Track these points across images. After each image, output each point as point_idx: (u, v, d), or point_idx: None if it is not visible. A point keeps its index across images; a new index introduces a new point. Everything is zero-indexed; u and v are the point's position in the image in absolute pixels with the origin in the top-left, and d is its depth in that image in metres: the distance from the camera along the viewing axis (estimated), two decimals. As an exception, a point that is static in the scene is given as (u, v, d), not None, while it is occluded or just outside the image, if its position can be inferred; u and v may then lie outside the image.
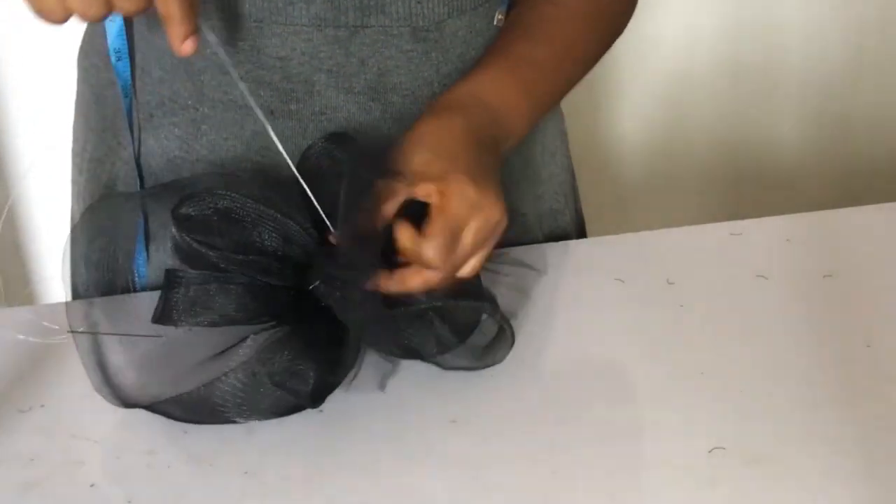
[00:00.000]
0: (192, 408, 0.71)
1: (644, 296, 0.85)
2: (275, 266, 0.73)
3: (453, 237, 0.73)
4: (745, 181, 1.96)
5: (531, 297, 0.86)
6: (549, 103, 0.90)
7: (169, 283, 0.72)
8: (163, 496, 0.67)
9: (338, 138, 0.80)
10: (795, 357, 0.78)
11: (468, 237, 0.74)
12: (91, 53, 0.94)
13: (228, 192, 0.74)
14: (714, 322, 0.82)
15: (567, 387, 0.76)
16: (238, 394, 0.70)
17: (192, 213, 0.73)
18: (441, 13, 0.85)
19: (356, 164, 0.76)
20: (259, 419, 0.72)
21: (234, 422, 0.72)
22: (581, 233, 1.06)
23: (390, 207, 0.73)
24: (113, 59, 0.87)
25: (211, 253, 0.72)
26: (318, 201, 0.74)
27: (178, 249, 0.73)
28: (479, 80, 0.83)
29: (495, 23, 0.89)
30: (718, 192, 1.97)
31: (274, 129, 0.86)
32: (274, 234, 0.73)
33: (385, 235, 0.73)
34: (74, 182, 1.00)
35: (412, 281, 0.73)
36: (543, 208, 0.98)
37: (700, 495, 0.66)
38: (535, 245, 0.95)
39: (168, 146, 0.89)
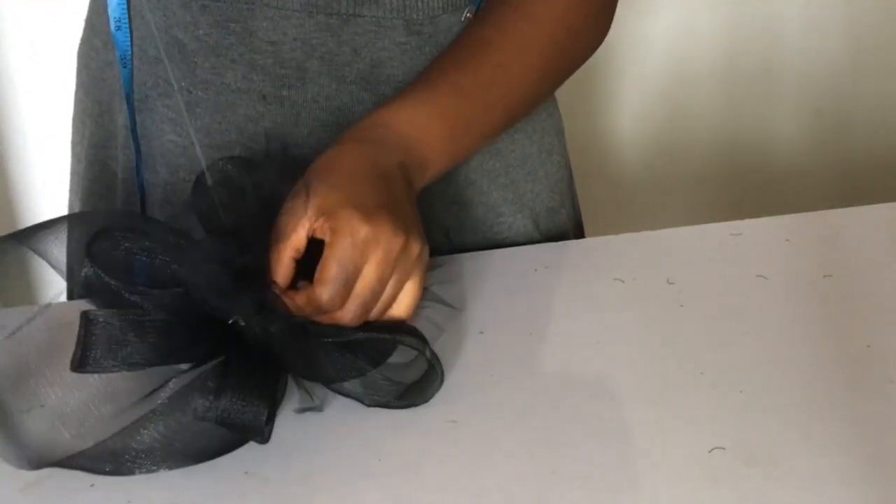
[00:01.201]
0: (110, 459, 0.67)
1: (644, 296, 0.85)
2: (193, 301, 0.70)
3: (346, 277, 0.71)
4: (745, 181, 1.96)
5: (530, 296, 0.86)
6: (481, 131, 0.86)
7: (86, 325, 0.68)
8: (163, 496, 0.67)
9: (241, 162, 0.78)
10: (795, 357, 0.78)
11: (369, 273, 0.72)
12: (92, 36, 0.94)
13: (145, 227, 0.72)
14: (714, 322, 0.82)
15: (567, 386, 0.76)
16: (165, 439, 0.67)
17: (106, 249, 0.70)
18: (435, 8, 0.85)
19: (266, 182, 0.75)
20: (182, 466, 0.68)
21: (152, 471, 0.68)
22: (578, 231, 1.06)
23: (292, 243, 0.72)
24: (112, 27, 0.88)
25: (127, 289, 0.69)
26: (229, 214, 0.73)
27: (90, 287, 0.70)
28: (393, 108, 0.81)
29: (462, 19, 0.88)
30: (718, 192, 1.97)
31: (266, 116, 0.86)
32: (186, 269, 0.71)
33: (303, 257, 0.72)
34: (73, 173, 1.00)
35: (300, 301, 0.72)
36: (540, 207, 0.98)
37: (700, 495, 0.66)
38: (534, 245, 0.95)
39: (163, 129, 0.89)
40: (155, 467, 0.68)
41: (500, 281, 0.87)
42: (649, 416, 0.73)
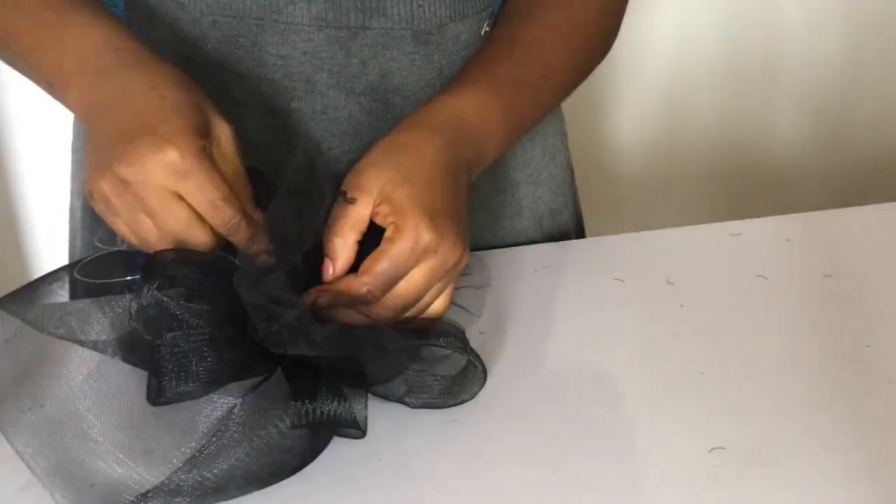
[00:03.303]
0: (189, 492, 0.64)
1: (644, 296, 0.85)
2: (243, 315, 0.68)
3: (394, 276, 0.71)
4: (745, 181, 1.96)
5: (530, 296, 0.86)
6: (527, 126, 0.87)
7: (154, 353, 0.65)
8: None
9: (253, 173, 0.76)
10: (795, 357, 0.78)
11: (418, 278, 0.71)
12: None
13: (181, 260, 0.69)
14: (714, 322, 0.82)
15: (567, 386, 0.76)
16: (244, 463, 0.65)
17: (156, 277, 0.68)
18: (443, 17, 0.85)
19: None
20: (267, 486, 0.66)
21: (235, 496, 0.65)
22: (580, 232, 1.06)
23: (355, 222, 0.71)
24: None
25: (180, 307, 0.66)
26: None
27: (145, 316, 0.66)
28: (462, 95, 0.80)
29: (482, 33, 0.88)
30: (718, 192, 1.97)
31: (276, 128, 0.86)
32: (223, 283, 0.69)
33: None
34: (74, 178, 1.00)
35: (341, 287, 0.70)
36: (543, 209, 0.98)
37: (700, 495, 0.66)
38: (534, 245, 0.95)
39: None
40: (238, 492, 0.66)
41: (500, 281, 0.87)
42: (649, 416, 0.73)
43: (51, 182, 1.67)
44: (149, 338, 0.66)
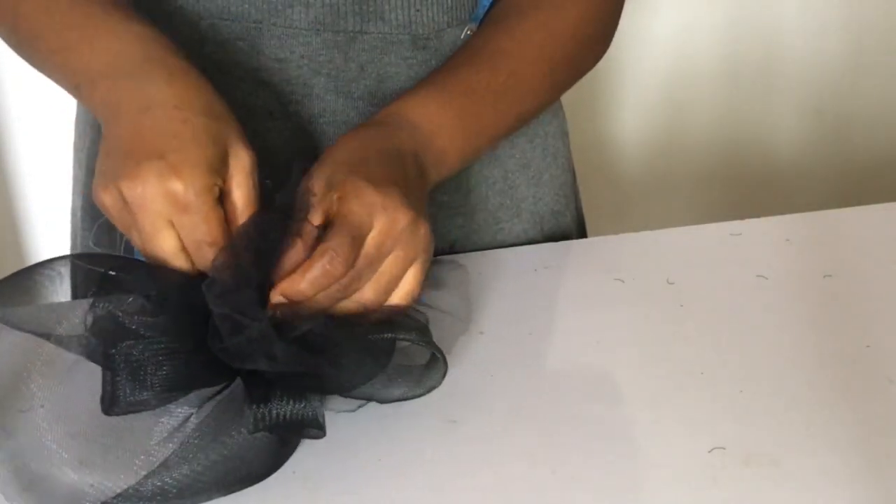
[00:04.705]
0: (151, 498, 0.64)
1: (644, 296, 0.85)
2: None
3: (353, 239, 0.69)
4: (745, 181, 1.97)
5: (530, 296, 0.86)
6: (491, 134, 0.85)
7: (107, 363, 0.65)
8: (163, 496, 0.67)
9: None
10: (795, 357, 0.78)
11: (372, 241, 0.70)
12: None
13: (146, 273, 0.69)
14: (714, 322, 0.82)
15: (567, 386, 0.76)
16: (205, 469, 0.65)
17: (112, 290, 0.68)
18: (441, 22, 0.85)
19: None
20: (234, 492, 0.66)
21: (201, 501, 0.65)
22: (582, 233, 1.06)
23: (308, 219, 0.69)
24: None
25: (139, 322, 0.66)
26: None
27: (100, 328, 0.66)
28: (409, 101, 0.80)
29: (462, 37, 0.88)
30: (718, 192, 1.97)
31: (274, 131, 0.86)
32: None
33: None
34: (75, 178, 1.00)
35: (311, 274, 0.68)
36: (544, 210, 0.98)
37: (700, 495, 0.66)
38: (535, 245, 0.95)
39: None
40: (205, 498, 0.65)
41: (500, 281, 0.87)
42: (649, 416, 0.73)
43: (51, 182, 1.67)
44: (101, 348, 0.66)
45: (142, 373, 0.65)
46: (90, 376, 0.67)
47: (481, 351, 0.79)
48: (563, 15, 0.87)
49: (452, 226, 0.92)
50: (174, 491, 0.64)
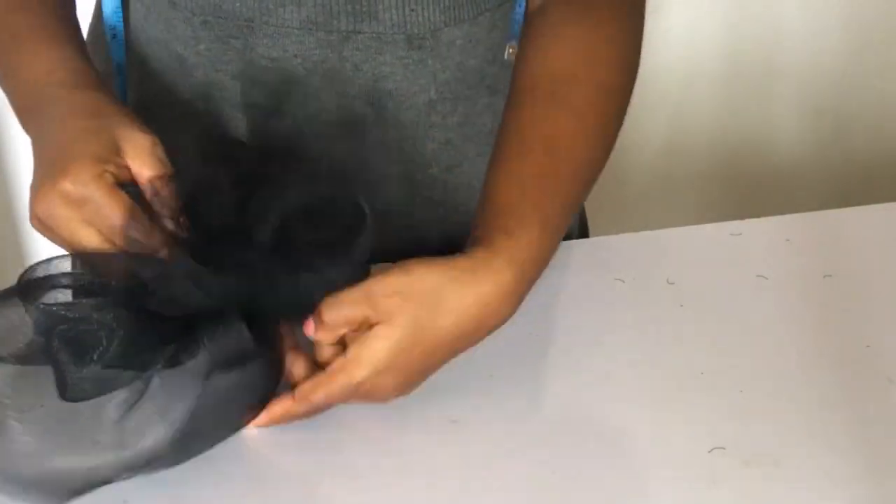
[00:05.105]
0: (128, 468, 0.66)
1: (644, 296, 0.85)
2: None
3: (326, 403, 0.70)
4: (745, 181, 1.96)
5: (530, 296, 0.86)
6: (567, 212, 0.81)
7: (48, 350, 0.67)
8: (161, 496, 0.67)
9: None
10: (795, 357, 0.78)
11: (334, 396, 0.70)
12: (93, 43, 0.94)
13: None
14: (714, 322, 0.82)
15: (567, 386, 0.76)
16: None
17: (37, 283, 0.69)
18: (437, 21, 0.85)
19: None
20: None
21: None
22: (583, 232, 1.06)
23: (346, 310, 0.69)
24: (108, 36, 0.88)
25: (68, 308, 0.68)
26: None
27: (38, 328, 0.68)
28: (518, 235, 0.73)
29: (506, 57, 0.88)
30: (718, 192, 1.97)
31: (269, 129, 0.86)
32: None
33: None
34: None
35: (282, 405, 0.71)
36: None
37: (700, 495, 0.66)
38: (535, 245, 0.95)
39: (162, 140, 0.89)
40: (211, 442, 0.68)
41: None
42: (649, 416, 0.73)
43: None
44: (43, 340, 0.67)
45: (82, 350, 0.66)
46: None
47: (481, 351, 0.79)
48: (607, 41, 0.86)
49: (453, 224, 0.92)
50: (178, 443, 0.66)
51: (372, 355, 0.69)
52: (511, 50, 0.88)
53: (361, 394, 0.70)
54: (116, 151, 0.72)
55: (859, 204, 0.98)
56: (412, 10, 0.83)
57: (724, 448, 0.69)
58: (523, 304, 0.84)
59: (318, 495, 0.67)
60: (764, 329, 0.81)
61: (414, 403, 0.74)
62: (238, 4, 0.82)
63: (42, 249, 1.93)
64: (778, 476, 0.67)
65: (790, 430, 0.71)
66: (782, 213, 0.96)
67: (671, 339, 0.80)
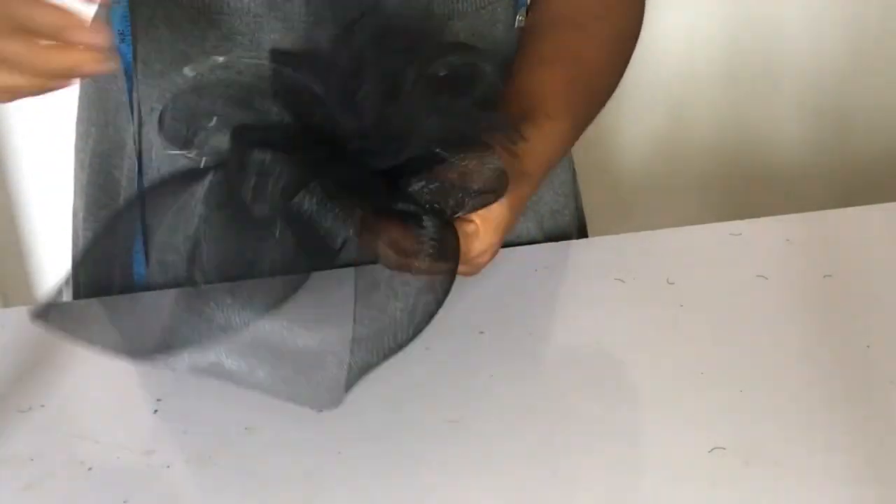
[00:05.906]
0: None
1: (644, 296, 0.85)
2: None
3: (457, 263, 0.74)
4: (745, 181, 1.96)
5: (531, 296, 0.86)
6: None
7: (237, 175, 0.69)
8: (161, 496, 0.67)
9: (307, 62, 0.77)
10: (795, 357, 0.78)
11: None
12: None
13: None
14: (714, 322, 0.82)
15: (567, 386, 0.76)
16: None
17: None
18: (441, 15, 0.85)
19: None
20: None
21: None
22: (582, 233, 1.06)
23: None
24: (116, 40, 0.88)
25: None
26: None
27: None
28: (550, 137, 0.84)
29: (516, 25, 0.89)
30: (718, 192, 1.97)
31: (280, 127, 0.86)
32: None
33: None
34: (76, 178, 1.00)
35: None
36: (544, 209, 0.98)
37: (700, 495, 0.66)
38: (535, 245, 0.95)
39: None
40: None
41: (500, 281, 0.87)
42: (649, 416, 0.73)
43: (52, 182, 1.67)
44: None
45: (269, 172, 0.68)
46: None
47: (481, 351, 0.79)
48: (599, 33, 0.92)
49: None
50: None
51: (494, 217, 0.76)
52: (521, 17, 0.89)
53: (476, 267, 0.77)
54: None
55: (859, 204, 0.98)
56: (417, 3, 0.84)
57: (724, 448, 0.69)
58: (523, 304, 0.84)
59: (318, 495, 0.67)
60: (764, 329, 0.81)
61: (414, 403, 0.74)
62: (246, 0, 0.82)
63: (42, 250, 1.94)
64: (778, 476, 0.67)
65: (790, 430, 0.71)
66: (782, 213, 0.96)
67: (671, 339, 0.80)
